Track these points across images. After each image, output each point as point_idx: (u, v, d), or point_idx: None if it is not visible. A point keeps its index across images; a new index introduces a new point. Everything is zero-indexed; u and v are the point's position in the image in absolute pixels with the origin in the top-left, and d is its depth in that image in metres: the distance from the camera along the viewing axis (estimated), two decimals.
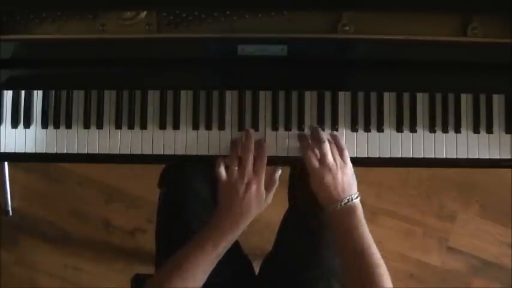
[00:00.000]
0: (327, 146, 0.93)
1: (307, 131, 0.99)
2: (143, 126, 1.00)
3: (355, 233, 0.89)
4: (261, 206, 0.93)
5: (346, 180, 0.93)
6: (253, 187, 0.91)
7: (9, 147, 1.00)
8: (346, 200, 0.91)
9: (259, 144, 0.96)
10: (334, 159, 0.93)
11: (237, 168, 0.93)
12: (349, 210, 0.91)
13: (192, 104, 1.00)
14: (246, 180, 0.91)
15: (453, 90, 0.99)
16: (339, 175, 0.92)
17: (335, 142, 0.96)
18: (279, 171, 0.96)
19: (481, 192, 1.70)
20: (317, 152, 0.94)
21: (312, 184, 0.95)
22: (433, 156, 0.99)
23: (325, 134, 0.97)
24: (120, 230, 1.71)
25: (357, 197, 0.92)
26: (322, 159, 0.93)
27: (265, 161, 0.94)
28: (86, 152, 1.00)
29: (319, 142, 0.94)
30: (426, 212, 1.70)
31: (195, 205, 1.08)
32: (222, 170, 0.94)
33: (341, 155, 0.95)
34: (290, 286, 1.03)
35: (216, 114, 0.99)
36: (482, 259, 1.68)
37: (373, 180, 1.68)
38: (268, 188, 0.94)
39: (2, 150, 1.00)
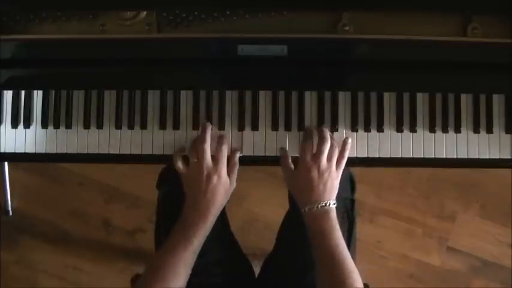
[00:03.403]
0: (326, 146, 0.93)
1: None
2: (143, 126, 1.00)
3: (330, 238, 0.89)
4: (227, 193, 0.93)
5: (330, 184, 0.92)
6: (215, 177, 0.91)
7: (9, 147, 1.00)
8: (324, 204, 0.91)
9: (220, 136, 0.95)
10: (329, 160, 0.93)
11: (196, 160, 0.92)
12: (324, 213, 0.91)
13: (192, 104, 1.00)
14: (205, 172, 0.91)
15: (453, 90, 0.99)
16: (325, 175, 0.92)
17: (341, 147, 0.95)
18: (238, 153, 0.96)
19: (481, 192, 1.70)
20: (314, 147, 0.94)
21: (296, 179, 0.94)
22: (433, 156, 0.99)
23: (338, 136, 0.97)
24: (120, 230, 1.71)
25: (334, 204, 0.92)
26: (316, 156, 0.93)
27: (224, 149, 0.93)
28: (86, 152, 1.00)
29: (321, 139, 0.93)
30: (426, 212, 1.70)
31: None
32: (181, 165, 0.94)
33: (338, 162, 0.94)
34: (290, 287, 1.03)
35: (216, 114, 0.99)
36: (482, 259, 1.68)
37: (373, 180, 1.68)
38: (230, 172, 0.94)
39: (2, 150, 1.00)
